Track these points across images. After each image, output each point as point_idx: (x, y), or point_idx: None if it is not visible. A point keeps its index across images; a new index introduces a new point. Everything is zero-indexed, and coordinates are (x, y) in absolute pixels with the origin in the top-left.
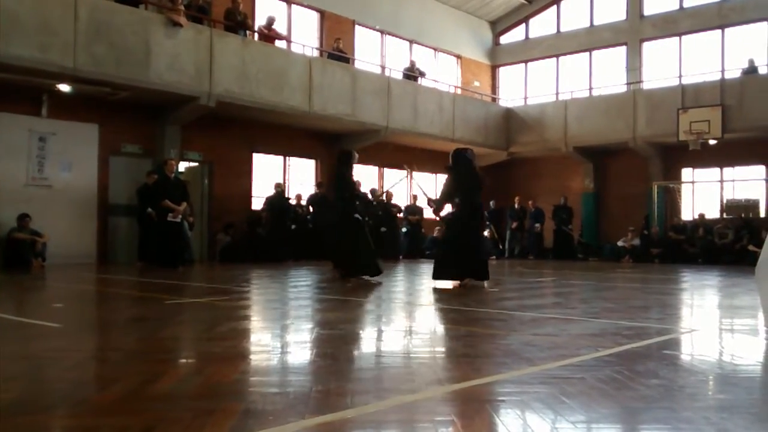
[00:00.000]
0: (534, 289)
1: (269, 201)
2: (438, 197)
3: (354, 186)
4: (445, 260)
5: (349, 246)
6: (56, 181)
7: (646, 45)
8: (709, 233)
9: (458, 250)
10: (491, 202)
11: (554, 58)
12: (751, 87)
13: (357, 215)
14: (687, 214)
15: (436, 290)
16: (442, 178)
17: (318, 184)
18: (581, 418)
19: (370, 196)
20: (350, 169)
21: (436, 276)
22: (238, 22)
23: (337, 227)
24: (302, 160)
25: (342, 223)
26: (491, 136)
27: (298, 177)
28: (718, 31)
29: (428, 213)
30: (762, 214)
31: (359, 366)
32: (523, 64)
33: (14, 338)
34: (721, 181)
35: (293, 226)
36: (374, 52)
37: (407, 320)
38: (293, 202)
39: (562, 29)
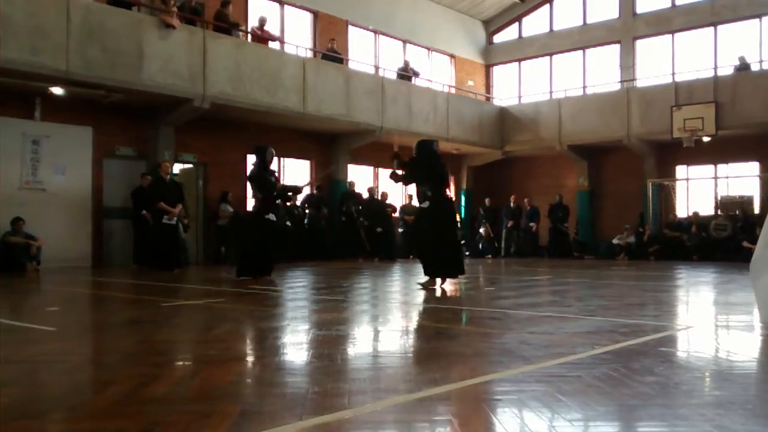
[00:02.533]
0: (530, 287)
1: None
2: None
3: (270, 184)
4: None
5: (252, 246)
6: (50, 185)
7: (639, 43)
8: (703, 230)
9: (433, 248)
10: (486, 201)
11: (548, 57)
12: (743, 84)
13: (270, 216)
14: (682, 211)
15: (427, 290)
16: None
17: (318, 188)
18: (578, 416)
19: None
20: (265, 166)
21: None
22: (230, 23)
23: (247, 226)
24: (297, 161)
25: (253, 222)
26: (486, 135)
27: (293, 178)
28: (711, 29)
29: None
30: (756, 211)
31: (356, 366)
32: (517, 63)
33: (9, 342)
34: (716, 178)
35: (288, 223)
36: (368, 53)
37: (403, 320)
38: (289, 203)
39: (556, 28)
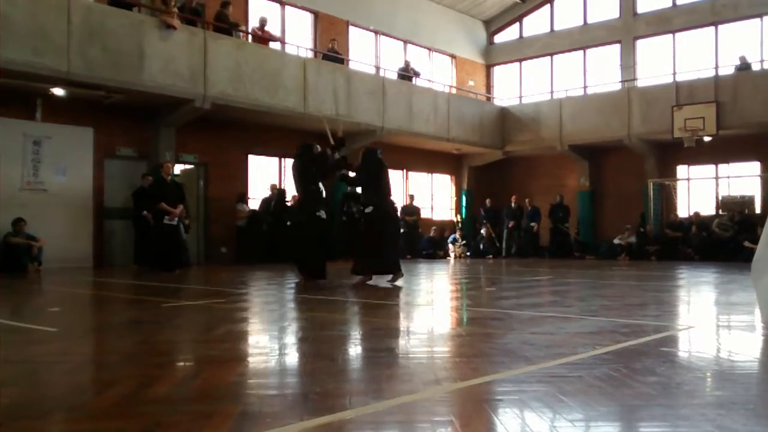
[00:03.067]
0: (531, 287)
1: (266, 202)
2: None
3: (318, 171)
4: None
5: (313, 248)
6: (51, 185)
7: (639, 42)
8: (703, 230)
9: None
10: (487, 201)
11: (548, 57)
12: (744, 83)
13: (320, 213)
14: (683, 211)
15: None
16: (437, 177)
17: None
18: (579, 417)
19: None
20: (314, 158)
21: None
22: (231, 24)
23: (302, 227)
24: None
25: (308, 222)
26: (486, 135)
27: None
28: (712, 28)
29: (425, 213)
30: (757, 210)
31: (357, 367)
32: (518, 63)
33: (10, 343)
34: (716, 178)
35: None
36: (368, 53)
37: (404, 320)
38: (290, 203)
39: (556, 28)
